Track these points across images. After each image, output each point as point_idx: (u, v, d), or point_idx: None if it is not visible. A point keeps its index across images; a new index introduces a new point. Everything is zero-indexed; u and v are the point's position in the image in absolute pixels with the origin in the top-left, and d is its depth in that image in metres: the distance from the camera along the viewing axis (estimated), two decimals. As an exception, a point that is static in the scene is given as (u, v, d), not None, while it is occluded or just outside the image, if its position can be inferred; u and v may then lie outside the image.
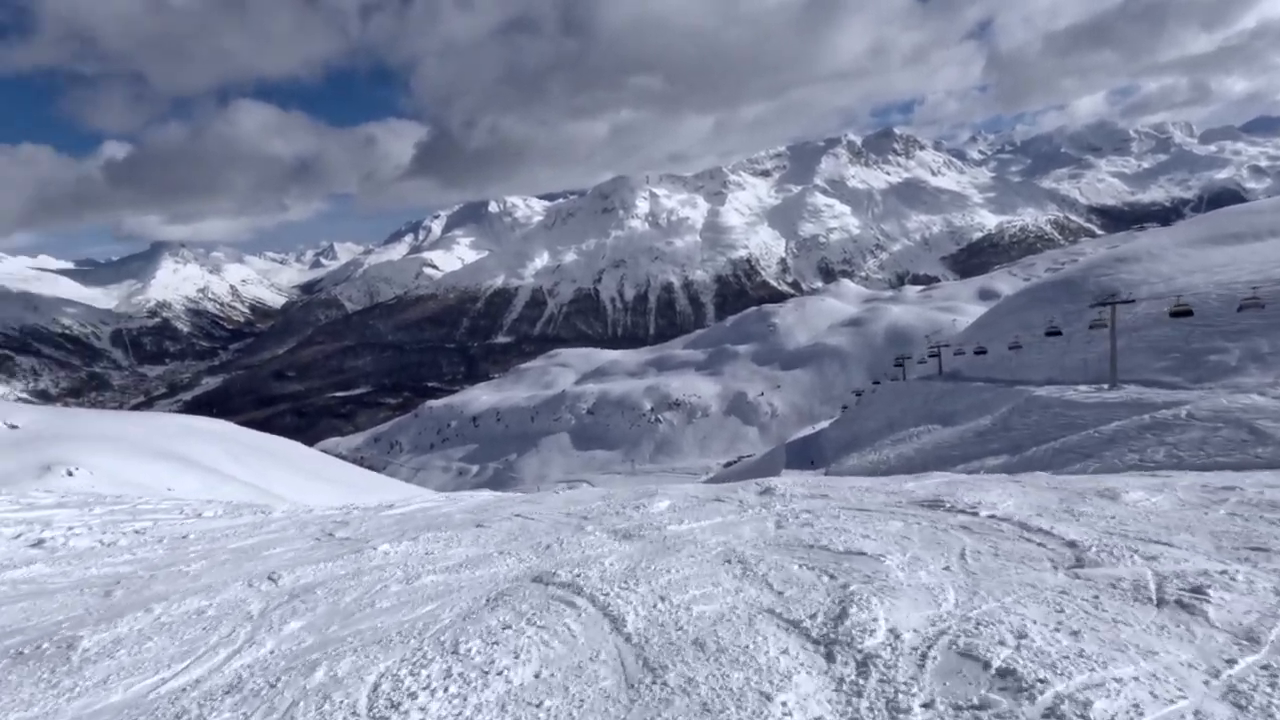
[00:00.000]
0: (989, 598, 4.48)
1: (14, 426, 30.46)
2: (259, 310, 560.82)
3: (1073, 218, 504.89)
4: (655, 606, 4.85)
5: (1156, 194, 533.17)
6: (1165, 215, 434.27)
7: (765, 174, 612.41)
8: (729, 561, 5.75)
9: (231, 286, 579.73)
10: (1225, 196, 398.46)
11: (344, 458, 76.08)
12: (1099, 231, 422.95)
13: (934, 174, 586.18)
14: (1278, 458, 13.53)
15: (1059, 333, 30.99)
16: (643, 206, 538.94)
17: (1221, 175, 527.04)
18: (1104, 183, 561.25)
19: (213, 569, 7.51)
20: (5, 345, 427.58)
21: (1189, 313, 24.13)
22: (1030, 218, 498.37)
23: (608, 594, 5.19)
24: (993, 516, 6.69)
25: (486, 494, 16.74)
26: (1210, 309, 25.44)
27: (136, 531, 10.80)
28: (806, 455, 46.42)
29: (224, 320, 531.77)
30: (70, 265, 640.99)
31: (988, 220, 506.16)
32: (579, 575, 5.75)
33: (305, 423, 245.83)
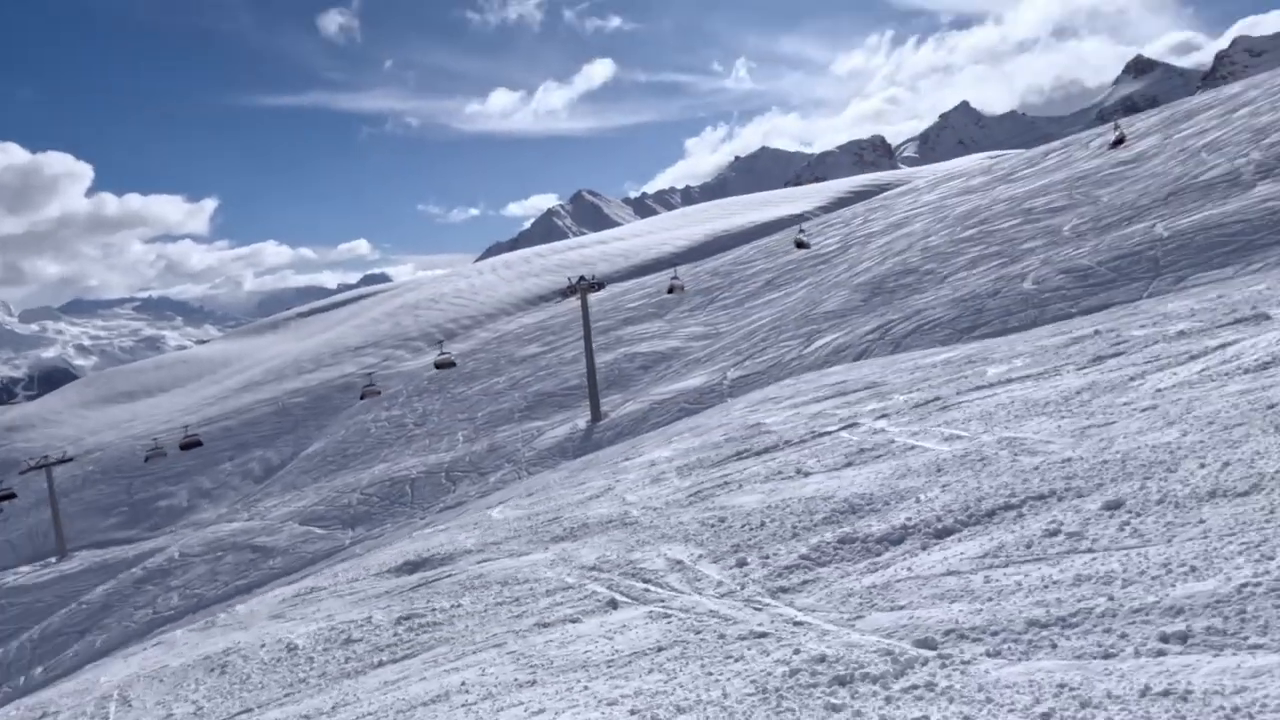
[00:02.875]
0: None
1: None
2: None
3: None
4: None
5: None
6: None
7: None
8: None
9: None
10: (57, 375, 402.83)
11: None
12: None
13: None
14: (284, 565, 14.56)
15: None
16: None
17: (49, 354, 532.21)
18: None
19: None
20: None
21: (199, 443, 23.47)
22: None
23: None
24: None
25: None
26: (137, 460, 25.34)
27: None
28: None
29: None
30: None
31: None
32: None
33: None
